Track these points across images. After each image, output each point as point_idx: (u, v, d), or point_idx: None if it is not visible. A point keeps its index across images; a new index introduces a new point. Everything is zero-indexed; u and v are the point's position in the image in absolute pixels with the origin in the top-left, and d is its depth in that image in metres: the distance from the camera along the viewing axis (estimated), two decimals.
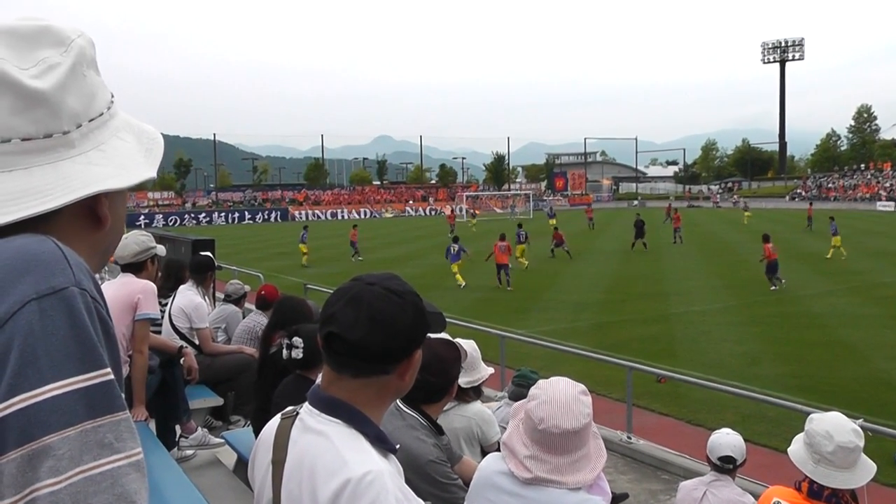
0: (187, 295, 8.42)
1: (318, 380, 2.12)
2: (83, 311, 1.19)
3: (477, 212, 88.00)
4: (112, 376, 1.19)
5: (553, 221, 59.14)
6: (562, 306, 23.69)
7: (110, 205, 1.40)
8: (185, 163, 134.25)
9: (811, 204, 71.62)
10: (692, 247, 43.42)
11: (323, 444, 1.96)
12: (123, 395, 1.23)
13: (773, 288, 26.57)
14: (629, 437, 11.08)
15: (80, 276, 1.22)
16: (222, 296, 10.45)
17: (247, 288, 10.53)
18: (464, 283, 28.90)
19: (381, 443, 2.00)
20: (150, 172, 1.43)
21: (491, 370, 4.56)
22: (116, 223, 1.43)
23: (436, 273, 32.86)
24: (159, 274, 7.11)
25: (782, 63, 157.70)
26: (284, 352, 5.39)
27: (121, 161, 1.39)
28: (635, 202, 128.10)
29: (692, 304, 23.71)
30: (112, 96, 1.44)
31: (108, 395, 1.17)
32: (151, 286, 6.29)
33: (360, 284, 2.05)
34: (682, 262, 35.92)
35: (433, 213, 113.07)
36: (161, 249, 6.82)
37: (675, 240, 45.27)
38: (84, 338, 1.17)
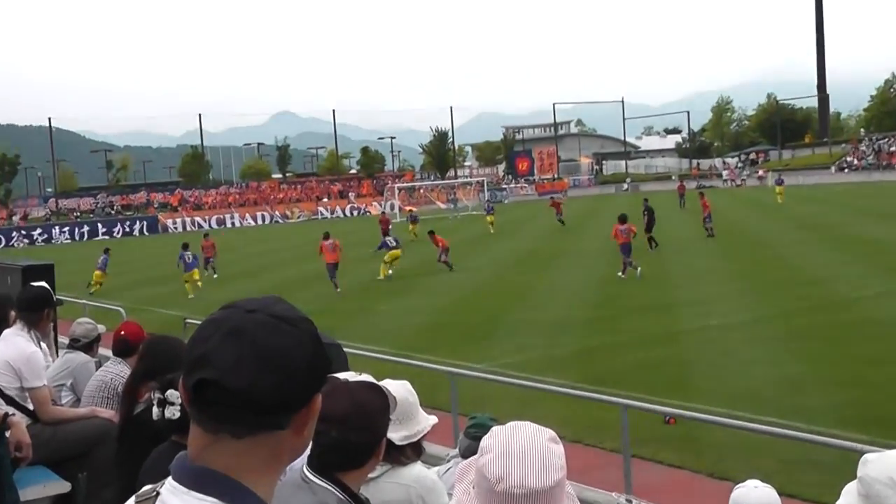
0: (15, 342, 8.26)
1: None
2: None
3: (412, 209, 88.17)
4: None
5: (490, 218, 60.23)
6: (534, 329, 23.76)
7: None
8: (11, 160, 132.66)
9: None
10: (707, 240, 43.94)
11: None
12: None
13: (636, 270, 32.19)
14: (629, 500, 11.12)
15: None
16: (67, 341, 10.31)
17: (101, 328, 10.40)
18: (192, 296, 35.28)
19: None
20: None
21: (433, 419, 4.54)
22: None
23: (363, 294, 32.87)
24: None
25: None
26: (155, 410, 5.34)
27: None
28: (625, 186, 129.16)
29: (709, 316, 23.90)
30: None
31: None
32: None
33: (237, 313, 2.02)
34: (694, 260, 36.29)
35: (356, 213, 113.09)
36: None
37: (710, 232, 45.48)
38: None
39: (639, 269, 32.28)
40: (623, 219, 33.66)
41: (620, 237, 32.94)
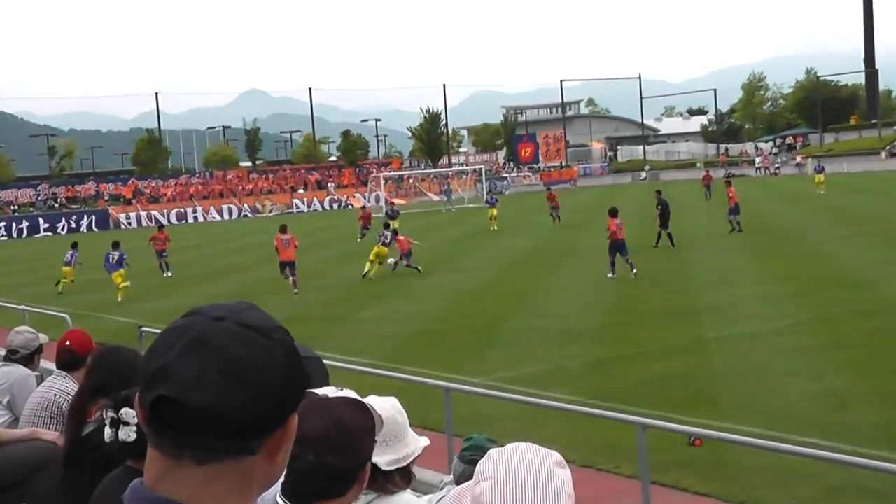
0: None
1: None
2: None
3: (401, 200, 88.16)
4: None
5: (492, 212, 60.05)
6: (538, 337, 23.76)
7: None
8: None
9: None
10: (735, 237, 44.07)
11: None
12: None
13: (611, 275, 33.09)
14: None
15: None
16: (3, 352, 10.30)
17: (43, 338, 10.37)
18: (120, 298, 36.32)
19: None
20: None
21: (425, 441, 4.53)
22: None
23: (345, 299, 32.85)
24: None
25: None
26: (107, 431, 5.32)
27: None
28: (643, 174, 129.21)
29: (739, 323, 23.94)
30: None
31: None
32: None
33: (202, 321, 2.00)
34: (721, 260, 36.34)
35: (336, 205, 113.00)
36: None
37: (733, 226, 45.77)
38: None
39: (613, 275, 33.17)
40: (615, 212, 34.44)
41: (619, 233, 33.73)
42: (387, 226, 41.55)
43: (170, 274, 43.84)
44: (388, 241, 38.92)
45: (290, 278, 35.76)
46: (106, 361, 6.73)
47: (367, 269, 38.02)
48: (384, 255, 38.76)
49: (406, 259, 39.28)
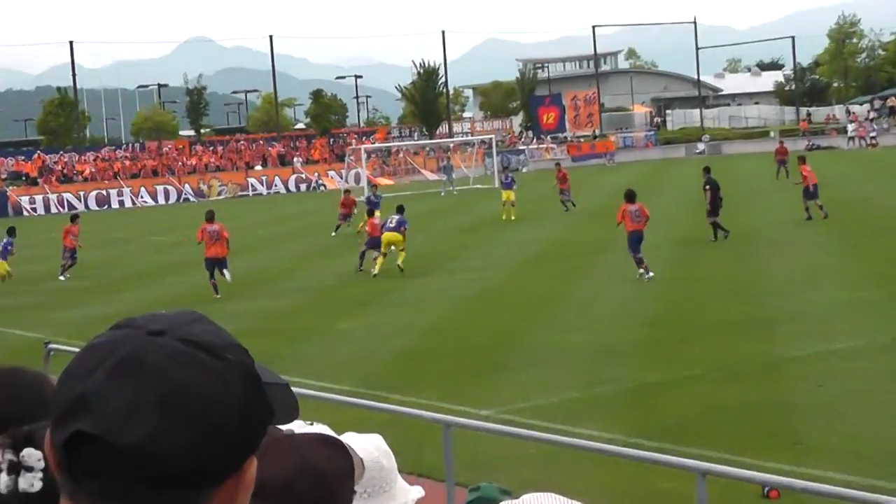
0: None
1: None
2: None
3: (388, 180, 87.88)
4: None
5: (508, 195, 59.71)
6: (566, 357, 23.84)
7: None
8: None
9: None
10: (819, 225, 44.10)
11: None
12: None
13: (644, 273, 33.26)
14: None
15: None
16: None
17: None
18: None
19: None
20: None
21: (419, 491, 4.52)
22: None
23: (317, 306, 32.88)
24: None
25: None
26: (3, 479, 5.30)
27: None
28: (700, 146, 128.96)
29: (827, 337, 23.92)
30: None
31: None
32: None
33: (135, 335, 1.96)
34: (799, 256, 36.41)
35: (304, 186, 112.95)
36: None
37: (810, 214, 45.74)
38: None
39: (649, 273, 33.15)
40: (631, 197, 34.56)
41: (630, 223, 33.67)
42: (400, 210, 41.11)
43: (67, 276, 44.55)
44: (394, 225, 39.31)
45: (223, 276, 37.26)
46: (2, 388, 6.70)
47: (378, 265, 38.64)
48: (399, 244, 39.13)
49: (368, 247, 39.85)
